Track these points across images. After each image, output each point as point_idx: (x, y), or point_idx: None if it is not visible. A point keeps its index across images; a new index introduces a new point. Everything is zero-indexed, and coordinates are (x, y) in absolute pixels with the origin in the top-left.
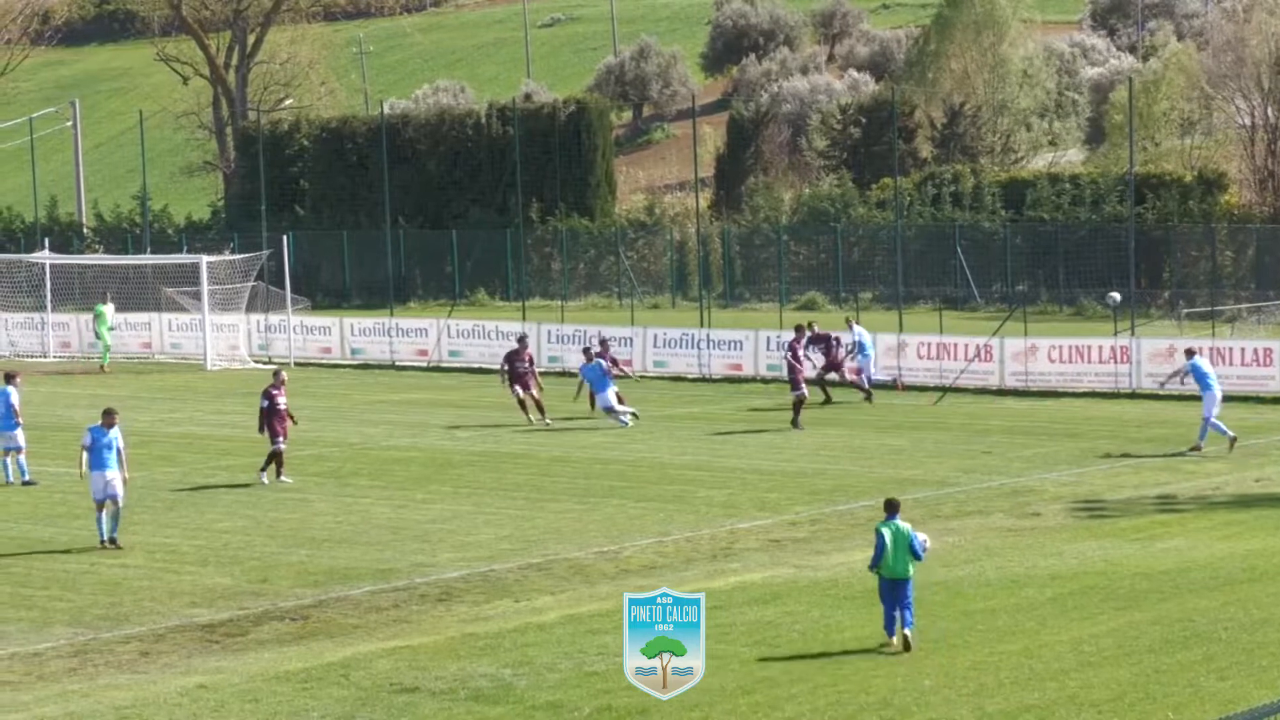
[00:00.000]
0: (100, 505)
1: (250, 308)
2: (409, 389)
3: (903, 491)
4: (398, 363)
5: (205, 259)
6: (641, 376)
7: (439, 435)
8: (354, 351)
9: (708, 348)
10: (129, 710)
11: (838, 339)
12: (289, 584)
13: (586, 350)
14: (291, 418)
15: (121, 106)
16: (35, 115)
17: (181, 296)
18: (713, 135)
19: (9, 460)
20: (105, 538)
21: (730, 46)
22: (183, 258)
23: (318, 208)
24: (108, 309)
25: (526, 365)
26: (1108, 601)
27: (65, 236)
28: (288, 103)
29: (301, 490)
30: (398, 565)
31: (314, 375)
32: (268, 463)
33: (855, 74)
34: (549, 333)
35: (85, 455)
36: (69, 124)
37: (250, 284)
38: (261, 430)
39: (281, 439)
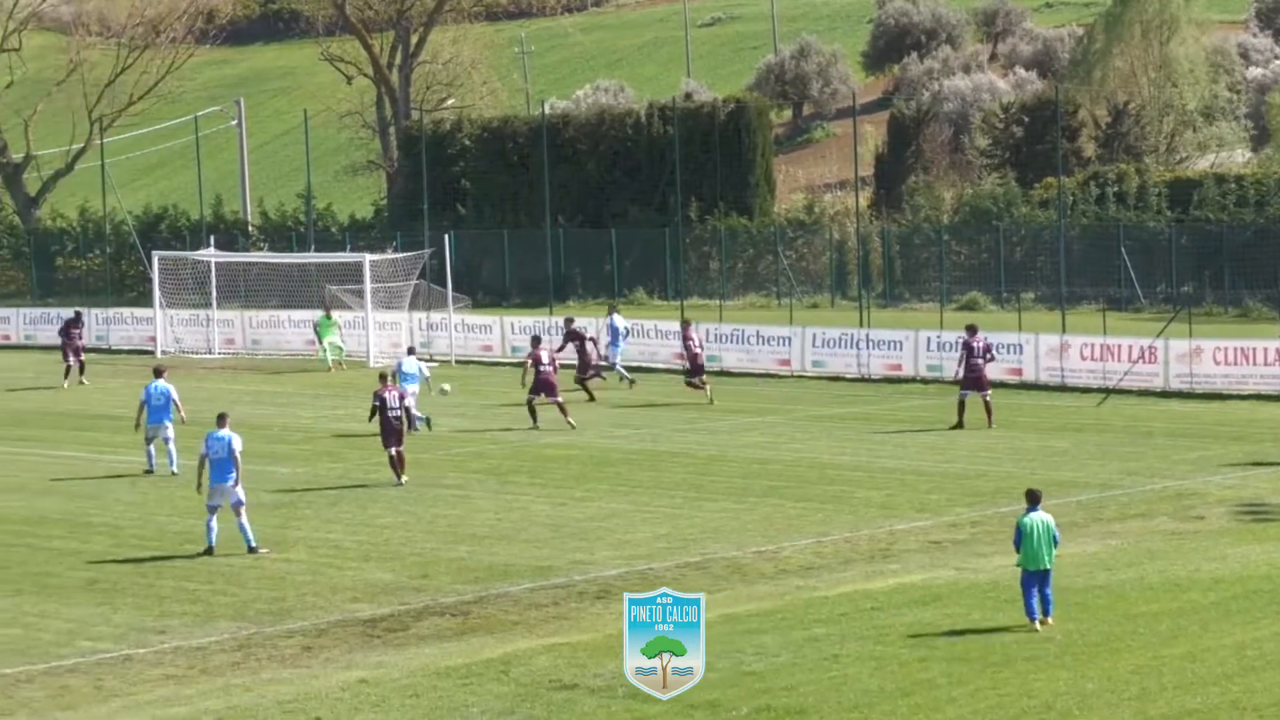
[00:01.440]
0: (214, 511)
1: (412, 306)
2: (567, 387)
3: (1065, 494)
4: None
5: (368, 257)
6: (799, 376)
7: (597, 433)
8: (514, 350)
9: (867, 348)
10: (291, 704)
11: (593, 338)
12: (449, 580)
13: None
14: (407, 420)
15: (286, 106)
16: (200, 114)
17: (345, 294)
18: (873, 134)
19: (153, 449)
20: (250, 545)
21: (892, 45)
22: (346, 256)
23: (479, 207)
24: (335, 318)
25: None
26: (1271, 606)
27: (230, 234)
28: (450, 102)
29: (462, 487)
30: (557, 563)
31: (475, 373)
32: (393, 465)
33: (1022, 71)
34: (708, 331)
35: (206, 464)
36: (234, 123)
37: (413, 282)
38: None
39: (394, 442)
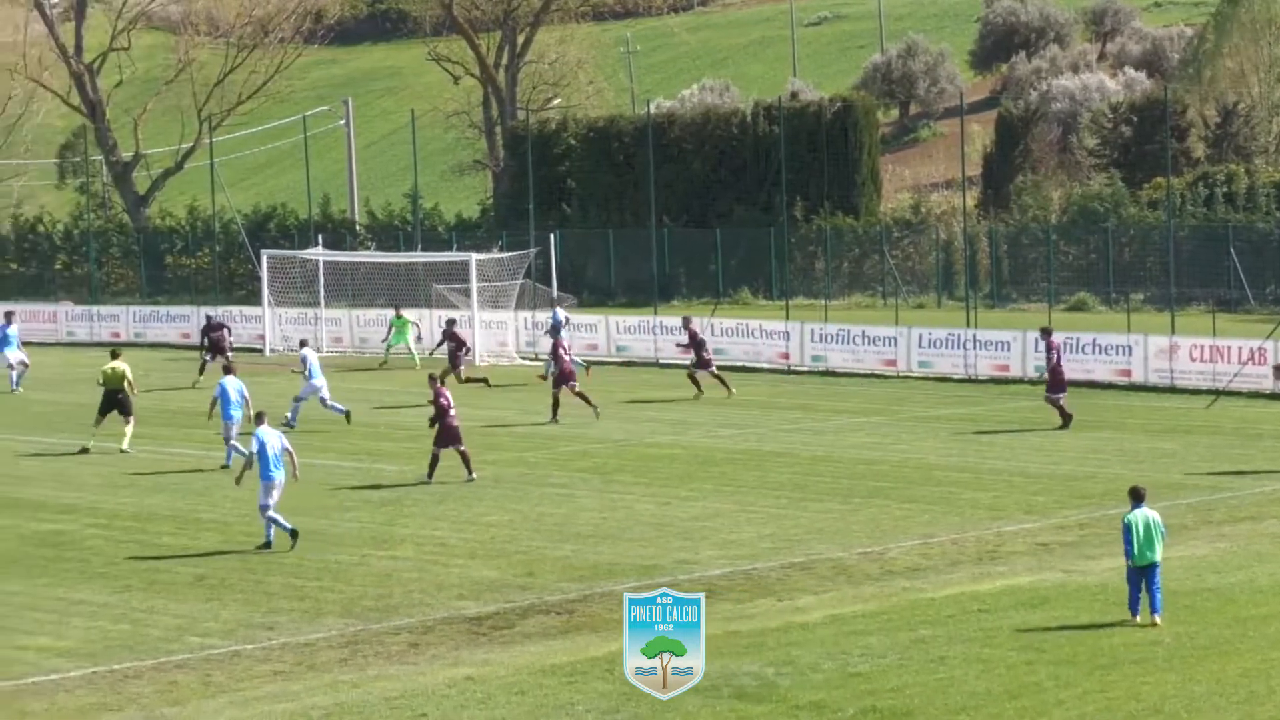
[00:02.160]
0: (267, 510)
1: (518, 305)
2: (671, 387)
3: (1174, 496)
4: (661, 360)
5: (474, 256)
6: (905, 376)
7: (701, 432)
8: (619, 349)
9: (974, 348)
10: (398, 701)
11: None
12: (554, 578)
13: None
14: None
15: (393, 106)
16: (309, 113)
17: (452, 293)
18: (980, 133)
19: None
20: (288, 529)
21: (999, 44)
22: (453, 255)
23: (584, 206)
24: (407, 317)
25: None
26: None
27: (338, 234)
28: (556, 102)
29: (567, 486)
30: (661, 562)
31: (579, 372)
32: (432, 467)
33: (1131, 71)
34: (812, 332)
35: (255, 459)
36: (341, 122)
37: (518, 281)
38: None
39: (450, 442)
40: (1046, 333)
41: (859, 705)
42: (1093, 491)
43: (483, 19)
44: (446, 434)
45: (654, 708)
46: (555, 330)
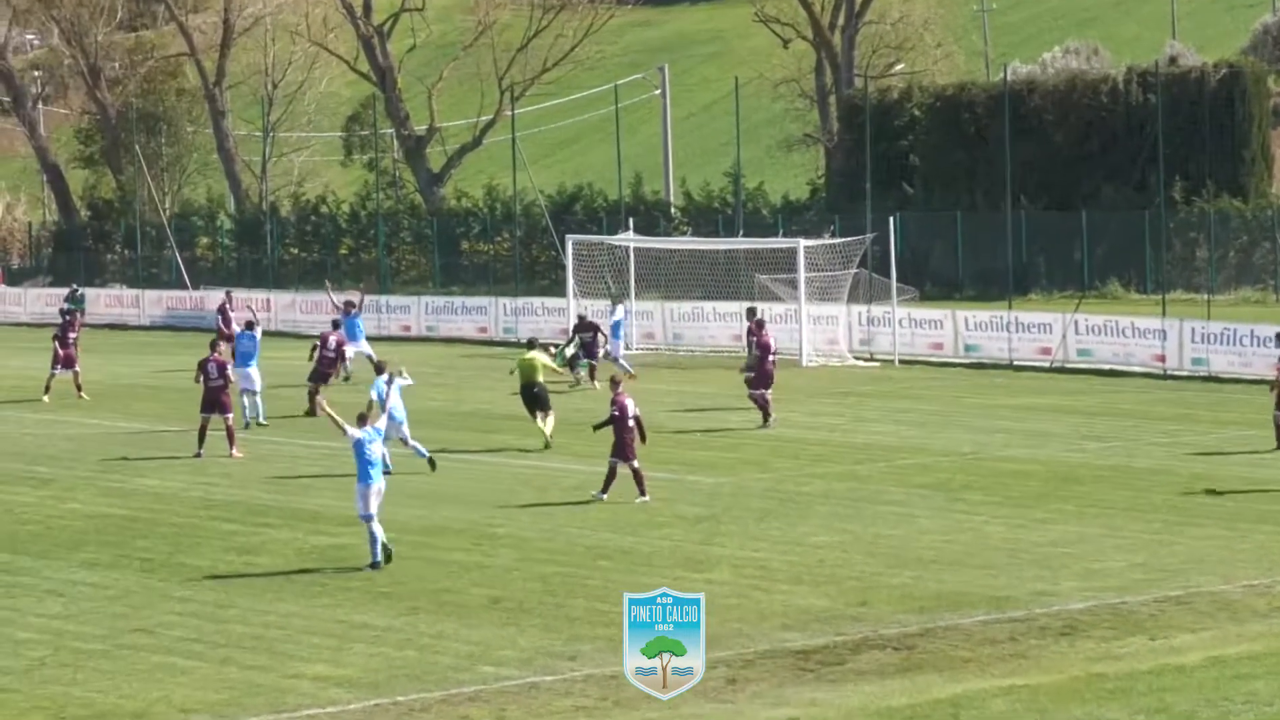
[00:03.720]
0: (369, 521)
1: (851, 298)
2: (1028, 392)
3: None
4: (1015, 362)
5: (803, 243)
6: None
7: (1062, 445)
8: (968, 348)
9: None
10: None
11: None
12: (891, 609)
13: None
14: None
15: (714, 73)
16: (620, 83)
17: (776, 284)
18: None
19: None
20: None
21: None
22: (778, 241)
23: (928, 186)
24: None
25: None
26: None
27: (650, 217)
28: (898, 68)
29: (905, 504)
30: (1015, 593)
31: (921, 375)
32: (608, 482)
33: None
34: (1192, 331)
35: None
36: (657, 92)
37: (852, 271)
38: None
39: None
40: None
41: None
42: None
43: None
44: (621, 446)
45: None
46: (616, 330)
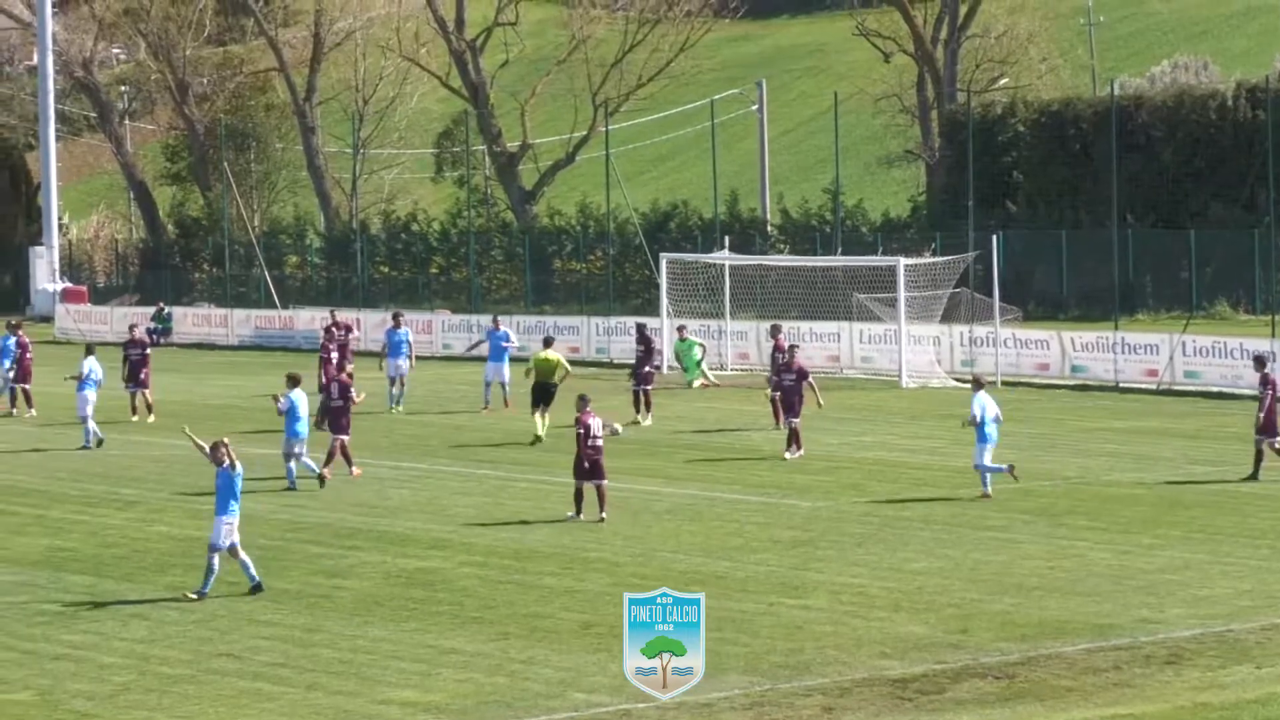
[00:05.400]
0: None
1: (952, 318)
2: (1134, 415)
3: None
4: (1121, 384)
5: (903, 261)
6: None
7: (1169, 469)
8: (1074, 369)
9: None
10: None
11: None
12: (991, 636)
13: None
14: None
15: (813, 88)
16: (717, 98)
17: (874, 304)
18: None
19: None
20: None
21: None
22: (877, 260)
23: (1032, 203)
24: (692, 338)
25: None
26: None
27: (746, 235)
28: (1002, 82)
29: (1007, 529)
30: (1119, 620)
31: (1024, 396)
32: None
33: None
34: None
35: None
36: (754, 107)
37: (953, 290)
38: None
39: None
40: None
41: None
42: None
43: None
44: (583, 464)
45: None
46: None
